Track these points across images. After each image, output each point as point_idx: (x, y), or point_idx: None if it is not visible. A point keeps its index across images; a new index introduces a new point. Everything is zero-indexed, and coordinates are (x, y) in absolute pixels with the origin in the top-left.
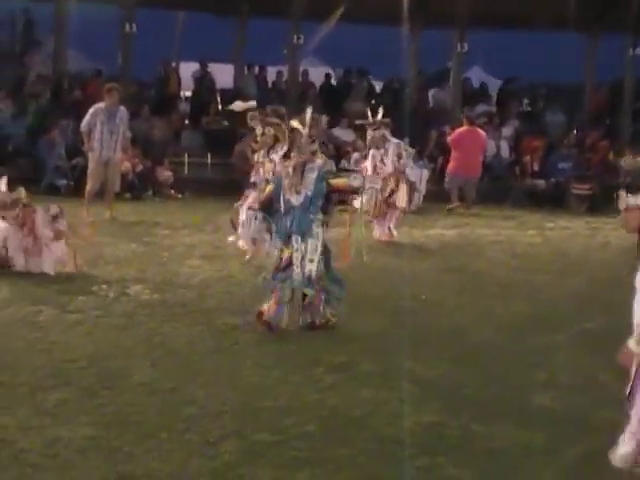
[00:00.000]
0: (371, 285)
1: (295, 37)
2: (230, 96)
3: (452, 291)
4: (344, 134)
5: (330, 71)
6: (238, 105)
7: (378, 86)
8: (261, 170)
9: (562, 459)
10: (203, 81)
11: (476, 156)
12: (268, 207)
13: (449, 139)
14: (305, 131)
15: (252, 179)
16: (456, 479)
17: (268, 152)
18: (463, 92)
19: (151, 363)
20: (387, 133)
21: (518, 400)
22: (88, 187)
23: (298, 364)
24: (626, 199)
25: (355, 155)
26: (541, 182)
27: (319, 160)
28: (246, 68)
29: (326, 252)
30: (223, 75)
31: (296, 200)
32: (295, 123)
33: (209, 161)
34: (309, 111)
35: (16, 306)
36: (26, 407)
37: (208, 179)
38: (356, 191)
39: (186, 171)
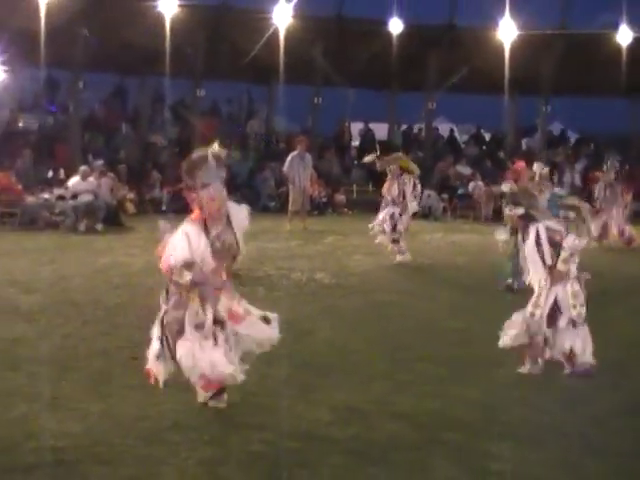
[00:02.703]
0: None
1: (430, 104)
2: (385, 146)
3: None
4: (464, 169)
5: (454, 127)
6: (368, 158)
7: (487, 136)
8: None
9: None
10: (366, 135)
11: None
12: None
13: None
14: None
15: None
16: None
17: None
18: (547, 139)
19: (329, 326)
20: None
21: None
22: (291, 208)
23: (432, 329)
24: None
25: (472, 184)
26: None
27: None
28: (396, 126)
29: None
30: (380, 131)
31: None
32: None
33: (370, 188)
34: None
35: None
36: None
37: (370, 200)
38: None
39: (354, 196)
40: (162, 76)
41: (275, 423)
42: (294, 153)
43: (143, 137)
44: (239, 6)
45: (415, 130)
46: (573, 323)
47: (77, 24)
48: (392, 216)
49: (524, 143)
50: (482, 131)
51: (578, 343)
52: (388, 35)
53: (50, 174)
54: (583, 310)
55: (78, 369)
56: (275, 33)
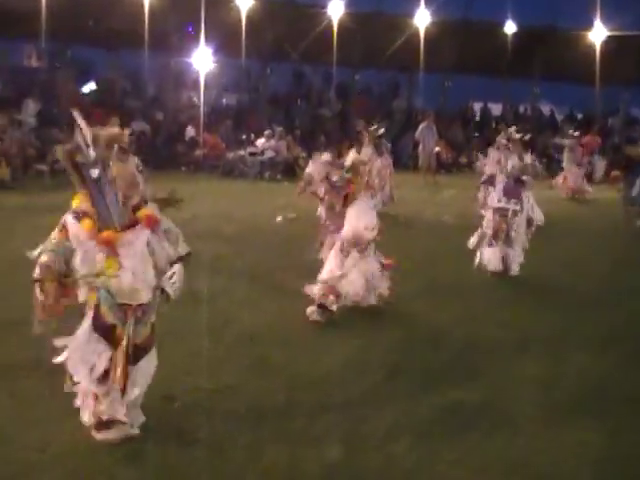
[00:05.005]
0: None
1: (535, 89)
2: (498, 121)
3: None
4: (561, 141)
5: (554, 108)
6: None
7: (580, 116)
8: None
9: None
10: (485, 112)
11: None
12: None
13: None
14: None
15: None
16: None
17: None
18: (626, 120)
19: (452, 256)
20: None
21: None
22: (420, 165)
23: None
24: None
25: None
26: None
27: None
28: (508, 106)
29: None
30: (495, 110)
31: None
32: None
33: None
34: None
35: None
36: None
37: None
38: None
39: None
40: (330, 64)
41: (405, 326)
42: (424, 124)
43: (314, 110)
44: (389, 12)
45: (521, 110)
46: None
47: (267, 25)
48: None
49: (609, 122)
50: (574, 112)
51: None
52: (504, 34)
53: (244, 137)
54: None
55: (262, 278)
56: (416, 32)
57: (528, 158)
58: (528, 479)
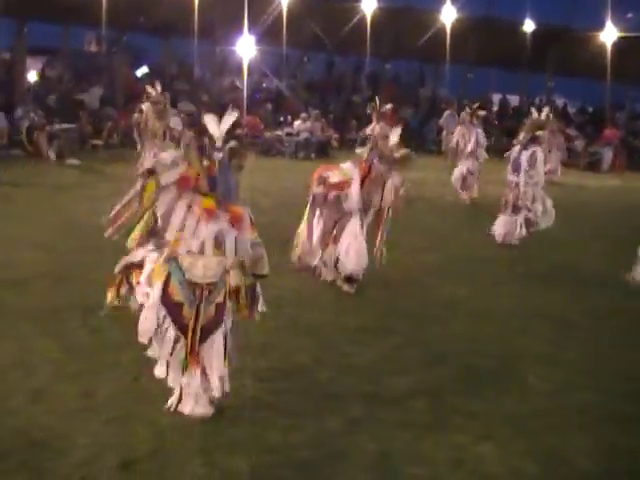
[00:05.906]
0: None
1: (549, 83)
2: (515, 112)
3: None
4: (571, 132)
5: (567, 101)
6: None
7: (591, 109)
8: None
9: None
10: (504, 103)
11: None
12: None
13: None
14: None
15: None
16: None
17: None
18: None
19: (468, 229)
20: None
21: None
22: (444, 149)
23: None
24: None
25: (577, 142)
26: None
27: None
28: (525, 98)
29: None
30: (513, 101)
31: None
32: None
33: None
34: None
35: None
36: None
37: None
38: None
39: (492, 143)
40: (363, 54)
41: (421, 296)
42: (448, 112)
43: (346, 96)
44: (417, 8)
45: (537, 102)
46: None
47: (305, 17)
48: None
49: (617, 115)
50: (586, 106)
51: None
52: (523, 31)
53: (282, 118)
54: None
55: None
56: (442, 27)
57: (543, 114)
58: (533, 438)
